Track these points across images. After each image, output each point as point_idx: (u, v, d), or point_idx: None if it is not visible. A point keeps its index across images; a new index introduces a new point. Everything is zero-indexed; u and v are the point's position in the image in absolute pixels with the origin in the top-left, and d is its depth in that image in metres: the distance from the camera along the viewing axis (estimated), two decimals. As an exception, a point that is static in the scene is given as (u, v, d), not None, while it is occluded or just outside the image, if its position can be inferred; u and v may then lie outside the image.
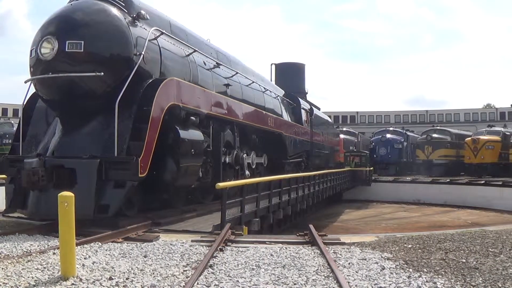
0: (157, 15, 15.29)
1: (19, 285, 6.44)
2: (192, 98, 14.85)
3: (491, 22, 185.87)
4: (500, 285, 6.82)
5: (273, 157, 23.38)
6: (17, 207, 12.89)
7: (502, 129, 46.22)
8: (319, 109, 36.73)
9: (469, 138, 44.54)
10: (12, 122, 41.53)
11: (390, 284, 6.83)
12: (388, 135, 52.25)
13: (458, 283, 6.90)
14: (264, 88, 24.27)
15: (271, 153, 23.14)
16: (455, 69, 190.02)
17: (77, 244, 7.86)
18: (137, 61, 12.84)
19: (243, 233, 12.49)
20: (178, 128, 13.62)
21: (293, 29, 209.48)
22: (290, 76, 35.50)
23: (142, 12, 13.57)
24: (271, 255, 8.93)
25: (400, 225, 26.14)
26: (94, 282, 6.69)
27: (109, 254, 8.71)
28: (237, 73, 20.37)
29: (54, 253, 8.43)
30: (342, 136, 49.72)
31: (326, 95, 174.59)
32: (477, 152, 42.46)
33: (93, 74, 12.26)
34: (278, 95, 26.99)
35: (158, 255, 8.73)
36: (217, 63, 18.46)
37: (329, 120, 41.31)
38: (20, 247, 9.24)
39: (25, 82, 13.66)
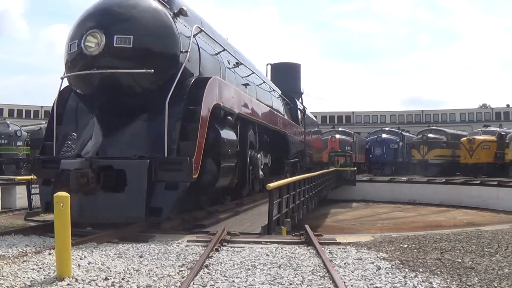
0: (191, 12, 14.70)
1: (15, 286, 6.42)
2: (229, 98, 14.58)
3: (488, 22, 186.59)
4: (496, 285, 6.84)
5: (276, 157, 23.32)
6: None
7: (498, 129, 46.29)
8: (306, 109, 36.90)
9: (465, 138, 44.64)
10: (8, 122, 41.48)
11: (386, 284, 6.84)
12: (384, 135, 52.30)
13: (454, 283, 6.91)
14: (270, 88, 24.31)
15: (274, 153, 23.05)
16: (451, 69, 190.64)
17: (72, 245, 7.84)
18: (184, 59, 12.41)
19: (283, 234, 12.49)
20: (218, 128, 13.34)
21: (289, 29, 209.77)
22: (286, 76, 35.35)
23: (184, 8, 13.18)
24: (267, 255, 8.93)
25: (396, 225, 26.14)
26: (89, 282, 6.68)
27: (104, 255, 8.70)
28: (253, 72, 20.20)
29: (49, 254, 8.41)
30: (337, 136, 49.87)
31: (323, 95, 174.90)
32: (473, 152, 42.55)
33: (143, 71, 11.76)
34: (280, 95, 27.06)
35: (154, 255, 8.72)
36: (236, 62, 18.17)
37: (315, 119, 41.60)
38: (16, 247, 9.21)
39: (62, 78, 12.99)
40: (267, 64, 36.33)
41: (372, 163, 51.93)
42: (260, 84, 21.73)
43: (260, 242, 10.27)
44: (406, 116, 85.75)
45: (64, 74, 12.87)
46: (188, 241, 10.19)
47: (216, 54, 15.82)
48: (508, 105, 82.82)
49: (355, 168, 40.67)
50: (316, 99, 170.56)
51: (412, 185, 38.47)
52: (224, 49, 16.49)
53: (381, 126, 64.69)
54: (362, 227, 25.69)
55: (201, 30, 14.30)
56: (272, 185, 12.61)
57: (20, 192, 23.97)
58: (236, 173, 15.36)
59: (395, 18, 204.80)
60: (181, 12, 13.11)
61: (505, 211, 29.11)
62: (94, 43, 11.67)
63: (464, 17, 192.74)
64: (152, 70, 11.76)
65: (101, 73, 11.79)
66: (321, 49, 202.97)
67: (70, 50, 12.29)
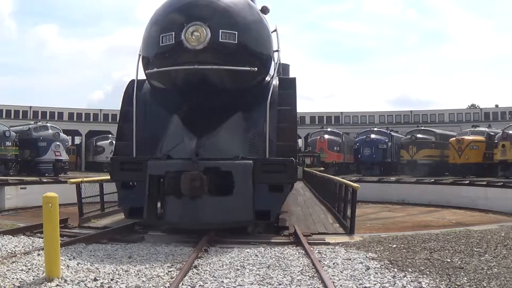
0: None
1: (4, 286, 6.40)
2: None
3: (476, 23, 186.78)
4: (485, 285, 6.86)
5: None
6: (152, 216, 11.25)
7: (487, 129, 46.33)
8: None
9: (454, 138, 44.65)
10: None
11: (375, 284, 6.85)
12: (373, 136, 52.24)
13: (443, 282, 6.93)
14: None
15: None
16: (440, 69, 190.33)
17: (61, 245, 7.83)
18: (276, 58, 12.19)
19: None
20: None
21: (279, 29, 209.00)
22: (275, 76, 35.43)
23: (268, 7, 12.53)
24: (256, 255, 8.93)
25: (384, 225, 26.09)
26: (78, 283, 6.66)
27: (93, 255, 8.68)
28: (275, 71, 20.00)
29: (38, 254, 8.39)
30: (326, 136, 49.84)
31: (312, 95, 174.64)
32: (462, 152, 42.58)
33: (249, 69, 11.27)
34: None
35: (143, 256, 8.71)
36: None
37: None
38: (5, 248, 9.18)
39: (149, 72, 11.90)
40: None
41: (360, 163, 51.88)
42: None
43: (248, 243, 10.27)
44: (394, 116, 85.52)
45: (146, 68, 12.00)
46: (177, 241, 10.17)
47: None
48: (496, 105, 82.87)
49: (323, 168, 40.56)
50: (305, 100, 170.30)
51: (400, 185, 38.40)
52: (278, 50, 16.19)
53: (369, 127, 64.46)
54: (351, 227, 25.67)
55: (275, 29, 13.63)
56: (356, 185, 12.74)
57: (9, 193, 23.92)
58: None
59: (383, 19, 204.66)
60: (264, 10, 12.44)
61: (494, 211, 29.13)
62: (196, 36, 10.86)
63: (453, 18, 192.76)
64: (256, 69, 11.34)
65: (203, 69, 11.09)
66: (309, 50, 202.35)
67: (162, 42, 11.33)
